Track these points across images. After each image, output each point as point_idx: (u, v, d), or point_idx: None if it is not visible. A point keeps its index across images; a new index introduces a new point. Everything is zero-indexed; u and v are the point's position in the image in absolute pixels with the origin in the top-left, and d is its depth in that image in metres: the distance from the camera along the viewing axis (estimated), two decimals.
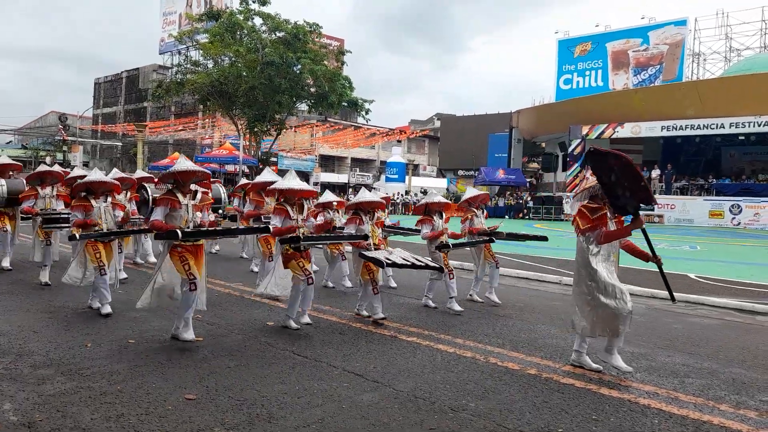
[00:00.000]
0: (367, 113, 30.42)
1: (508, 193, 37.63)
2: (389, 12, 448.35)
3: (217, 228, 5.82)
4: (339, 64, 30.83)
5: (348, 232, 6.46)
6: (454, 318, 6.74)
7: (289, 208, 5.87)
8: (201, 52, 30.43)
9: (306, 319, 5.93)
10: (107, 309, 6.24)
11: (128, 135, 47.65)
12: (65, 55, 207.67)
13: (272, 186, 6.24)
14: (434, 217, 7.15)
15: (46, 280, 7.80)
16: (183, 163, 5.49)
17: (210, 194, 6.83)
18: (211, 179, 7.56)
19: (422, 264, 6.21)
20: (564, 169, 33.45)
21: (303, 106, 31.97)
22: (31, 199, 8.14)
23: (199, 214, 5.50)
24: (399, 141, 54.68)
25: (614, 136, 29.72)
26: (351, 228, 6.45)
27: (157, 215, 5.29)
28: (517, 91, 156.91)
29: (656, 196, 24.79)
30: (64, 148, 33.42)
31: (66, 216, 7.53)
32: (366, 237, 6.29)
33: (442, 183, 52.83)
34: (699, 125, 27.19)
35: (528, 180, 39.24)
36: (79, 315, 6.27)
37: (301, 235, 5.81)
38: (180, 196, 5.36)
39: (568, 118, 31.50)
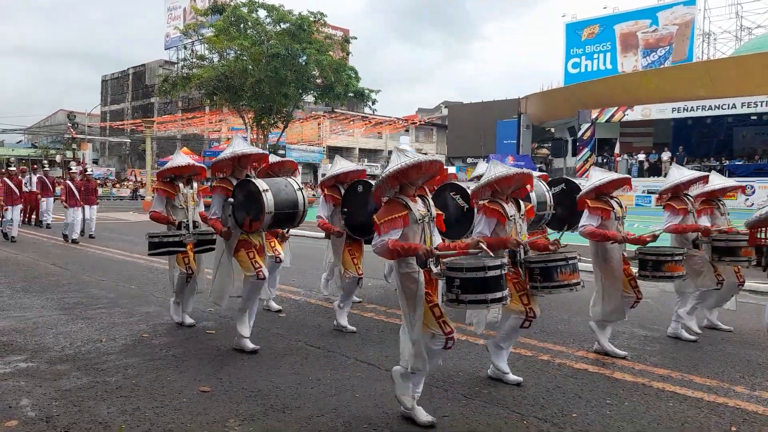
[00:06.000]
0: (373, 103, 30.28)
1: None
2: (402, 2, 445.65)
3: None
4: (344, 54, 30.66)
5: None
6: None
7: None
8: (206, 46, 30.40)
9: None
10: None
11: (136, 131, 47.90)
12: (76, 54, 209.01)
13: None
14: None
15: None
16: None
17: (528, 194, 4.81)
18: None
19: None
20: (574, 154, 33.16)
21: (309, 98, 31.90)
22: None
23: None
24: (407, 130, 54.49)
25: (624, 119, 29.39)
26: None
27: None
28: (528, 77, 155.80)
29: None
30: (74, 146, 33.69)
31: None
32: None
33: (451, 171, 52.56)
34: (710, 106, 26.80)
35: (538, 166, 38.95)
36: (93, 311, 6.32)
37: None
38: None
39: (577, 103, 31.17)
